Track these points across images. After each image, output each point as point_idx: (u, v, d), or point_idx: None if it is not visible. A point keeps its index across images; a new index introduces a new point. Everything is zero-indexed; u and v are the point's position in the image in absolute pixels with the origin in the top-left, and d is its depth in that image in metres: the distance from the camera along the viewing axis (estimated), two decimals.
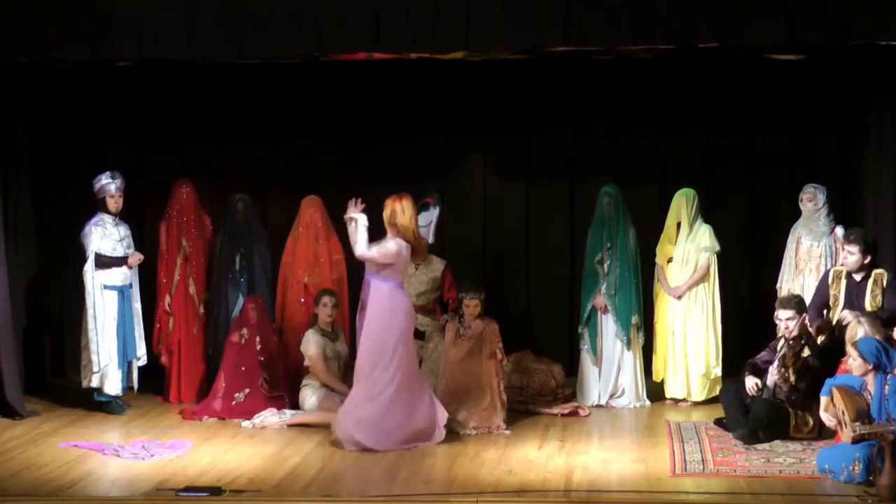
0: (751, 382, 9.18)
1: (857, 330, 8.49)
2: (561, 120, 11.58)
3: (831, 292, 9.41)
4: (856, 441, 7.88)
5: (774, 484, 7.98)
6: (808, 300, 9.57)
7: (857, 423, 7.85)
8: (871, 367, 8.02)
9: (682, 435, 9.34)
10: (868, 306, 9.19)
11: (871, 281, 9.26)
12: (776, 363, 9.06)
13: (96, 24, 9.38)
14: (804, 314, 9.26)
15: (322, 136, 11.69)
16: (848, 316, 9.07)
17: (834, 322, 9.34)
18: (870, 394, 8.03)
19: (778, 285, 10.37)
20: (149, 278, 10.73)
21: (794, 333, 9.14)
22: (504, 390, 9.87)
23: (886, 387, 7.96)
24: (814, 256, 10.16)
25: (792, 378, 9.03)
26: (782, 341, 9.22)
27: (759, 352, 9.45)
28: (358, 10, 9.25)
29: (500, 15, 9.18)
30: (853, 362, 8.13)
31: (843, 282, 9.36)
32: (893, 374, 8.01)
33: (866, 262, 9.27)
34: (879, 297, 9.22)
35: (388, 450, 8.82)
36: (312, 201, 10.73)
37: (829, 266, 9.93)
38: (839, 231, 10.06)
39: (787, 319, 9.18)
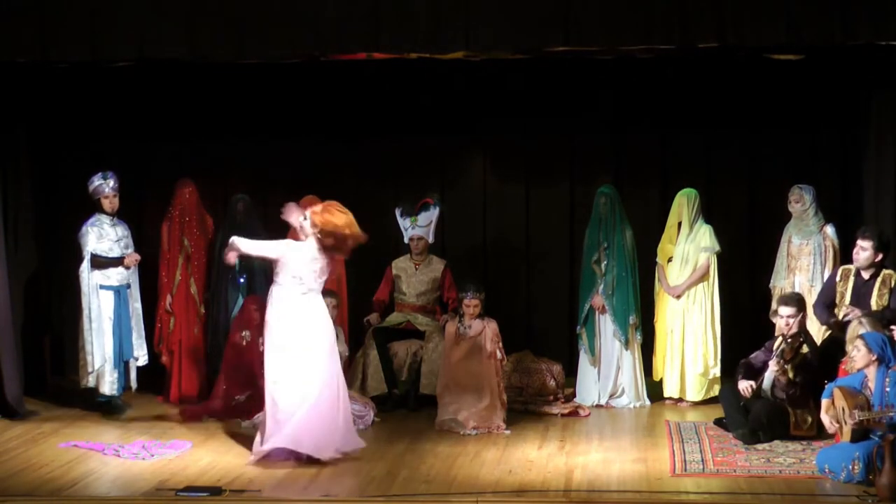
0: (744, 384, 9.17)
1: (858, 329, 8.52)
2: (561, 120, 11.58)
3: (838, 290, 9.43)
4: (856, 432, 7.89)
5: (774, 484, 7.99)
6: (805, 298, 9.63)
7: (857, 410, 7.88)
8: (874, 358, 8.05)
9: (682, 435, 9.34)
10: (874, 305, 9.21)
11: (879, 280, 9.28)
12: (775, 358, 9.08)
13: (96, 24, 9.38)
14: (804, 312, 9.28)
15: (322, 136, 11.69)
16: (851, 312, 9.09)
17: (840, 317, 9.35)
18: (870, 389, 8.05)
19: (771, 284, 10.39)
20: (150, 278, 10.74)
21: (794, 331, 9.16)
22: (504, 390, 9.88)
23: (887, 380, 7.98)
24: (804, 254, 10.18)
25: (790, 373, 9.05)
26: (780, 338, 9.24)
27: (755, 353, 9.46)
28: (358, 10, 9.25)
29: (500, 15, 9.19)
30: (857, 354, 8.15)
31: (852, 280, 9.38)
32: (895, 369, 8.03)
33: (877, 259, 9.29)
34: (886, 297, 9.24)
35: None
36: (312, 201, 10.69)
37: (818, 264, 9.97)
38: (829, 230, 10.11)
39: (788, 316, 9.20)
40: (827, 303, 9.47)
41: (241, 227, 10.68)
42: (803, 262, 10.14)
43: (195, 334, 10.72)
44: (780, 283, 10.25)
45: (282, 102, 11.65)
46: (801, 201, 10.24)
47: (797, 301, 9.32)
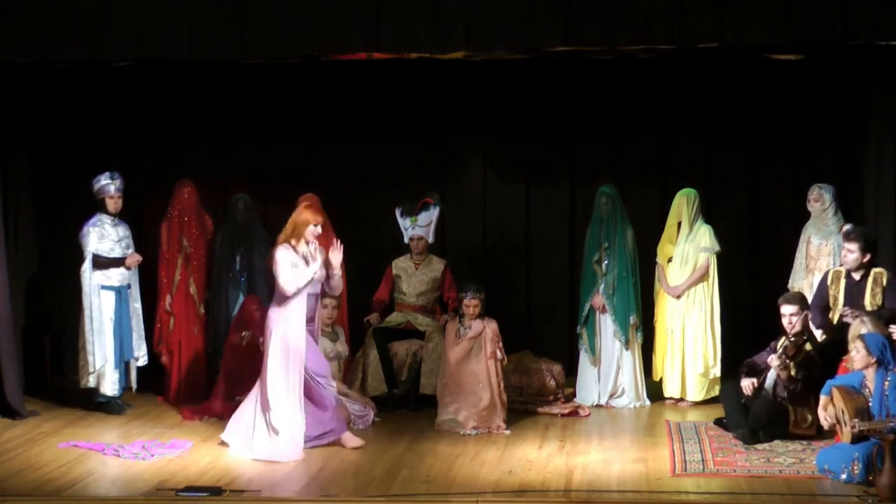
0: (746, 382, 9.18)
1: (861, 328, 8.51)
2: (561, 120, 11.58)
3: (830, 293, 9.41)
4: (856, 438, 7.89)
5: (774, 484, 7.99)
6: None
7: (857, 420, 7.88)
8: (873, 360, 8.04)
9: (682, 435, 9.34)
10: (868, 305, 9.20)
11: (870, 280, 9.27)
12: (777, 353, 9.07)
13: (96, 24, 9.38)
14: (806, 311, 9.28)
15: (322, 136, 11.69)
16: (849, 313, 9.08)
17: (835, 321, 9.34)
18: (869, 391, 8.05)
19: (790, 284, 10.33)
20: (150, 278, 10.74)
21: (797, 329, 9.16)
22: (504, 390, 9.88)
23: (886, 382, 7.98)
24: (823, 255, 10.15)
25: (792, 370, 9.05)
26: (783, 338, 9.23)
27: (759, 352, 9.46)
28: (358, 10, 9.26)
29: (500, 15, 9.19)
30: (856, 355, 8.15)
31: (843, 282, 9.37)
32: (894, 371, 8.02)
33: (865, 260, 9.27)
34: (879, 296, 9.23)
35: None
36: (310, 199, 10.70)
37: (837, 265, 9.94)
38: (848, 229, 10.07)
39: (791, 315, 9.19)
40: (821, 305, 9.45)
41: (241, 226, 10.70)
42: (822, 263, 10.09)
43: (195, 334, 10.72)
44: (799, 284, 10.20)
45: (282, 102, 11.65)
46: (820, 200, 10.21)
47: (799, 299, 9.31)
